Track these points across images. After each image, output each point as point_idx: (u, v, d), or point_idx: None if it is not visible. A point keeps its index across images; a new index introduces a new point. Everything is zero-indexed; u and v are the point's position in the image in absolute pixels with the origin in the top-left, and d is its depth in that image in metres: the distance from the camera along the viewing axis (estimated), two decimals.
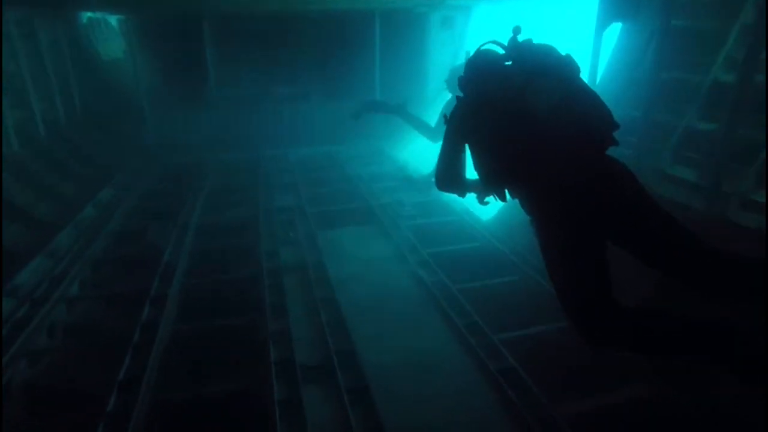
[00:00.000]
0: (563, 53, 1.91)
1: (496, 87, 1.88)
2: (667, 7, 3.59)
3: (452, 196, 2.66)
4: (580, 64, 1.88)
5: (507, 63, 2.01)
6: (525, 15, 8.30)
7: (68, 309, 3.63)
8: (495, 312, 3.41)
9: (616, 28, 4.16)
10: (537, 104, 1.75)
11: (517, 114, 1.78)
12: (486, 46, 2.11)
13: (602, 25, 4.06)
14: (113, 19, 8.40)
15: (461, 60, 6.06)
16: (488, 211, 4.74)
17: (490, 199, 2.15)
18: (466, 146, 2.09)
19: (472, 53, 2.17)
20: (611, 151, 1.85)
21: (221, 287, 3.84)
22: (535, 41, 1.96)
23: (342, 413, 2.54)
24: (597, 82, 4.11)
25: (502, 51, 2.06)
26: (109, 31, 8.73)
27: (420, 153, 7.59)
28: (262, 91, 8.08)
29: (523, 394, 2.61)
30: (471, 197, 2.32)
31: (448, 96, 5.43)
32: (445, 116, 2.13)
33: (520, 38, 1.98)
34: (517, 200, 1.98)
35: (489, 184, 1.98)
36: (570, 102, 1.77)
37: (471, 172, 2.24)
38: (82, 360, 3.08)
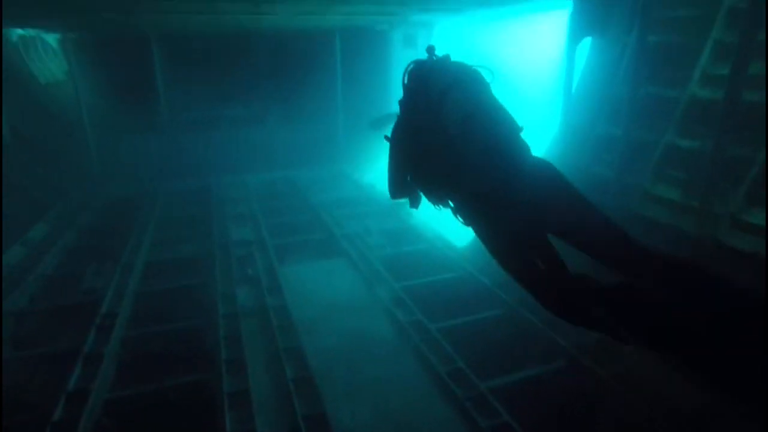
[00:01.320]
0: (472, 68, 2.04)
1: (420, 106, 2.01)
2: (643, 22, 3.47)
3: (422, 224, 2.70)
4: (488, 78, 2.04)
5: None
6: (487, 26, 8.19)
7: None
8: (480, 353, 3.10)
9: (588, 43, 4.01)
10: (450, 118, 1.90)
11: (437, 130, 1.91)
12: (410, 67, 2.19)
13: (574, 39, 3.91)
14: (51, 38, 7.76)
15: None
16: (463, 237, 4.45)
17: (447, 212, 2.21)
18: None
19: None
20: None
21: (169, 339, 3.35)
22: (452, 58, 2.09)
23: None
24: (572, 95, 3.93)
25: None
26: (46, 51, 8.05)
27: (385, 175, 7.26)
28: (216, 114, 7.68)
29: None
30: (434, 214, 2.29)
31: None
32: (386, 137, 2.27)
33: (438, 55, 2.09)
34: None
35: (427, 194, 2.14)
36: (478, 114, 1.90)
37: None
38: None
